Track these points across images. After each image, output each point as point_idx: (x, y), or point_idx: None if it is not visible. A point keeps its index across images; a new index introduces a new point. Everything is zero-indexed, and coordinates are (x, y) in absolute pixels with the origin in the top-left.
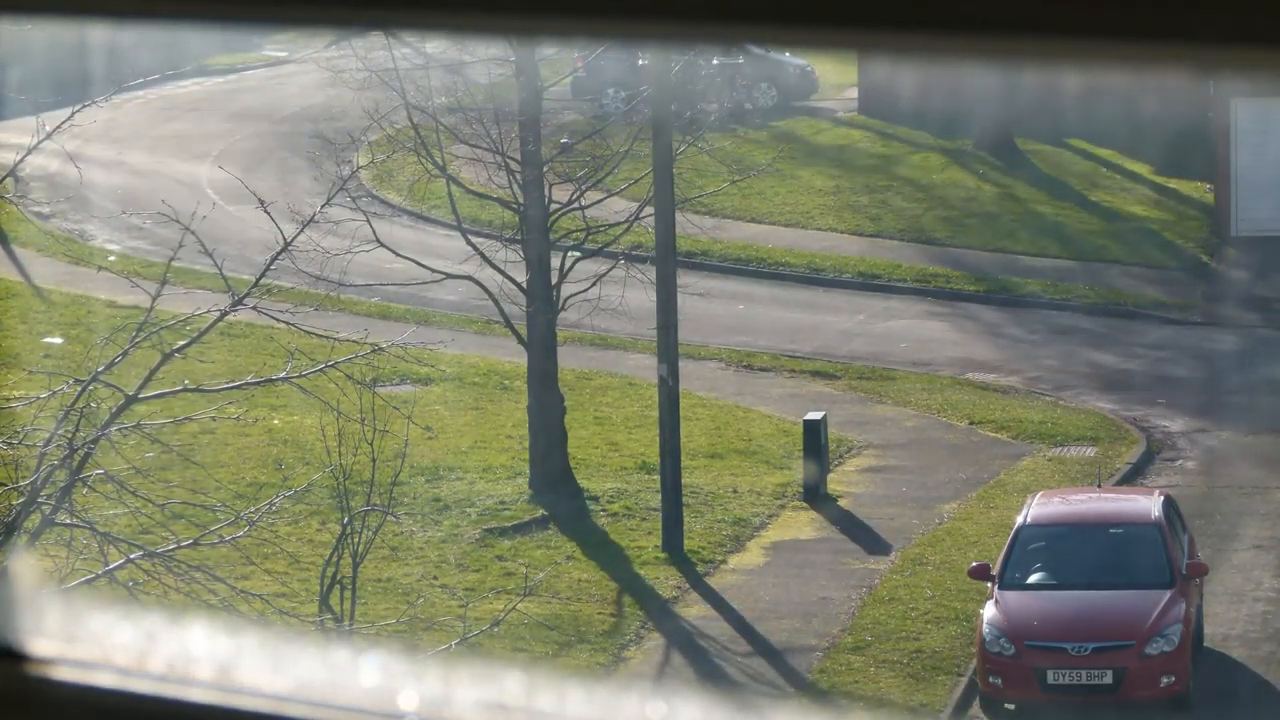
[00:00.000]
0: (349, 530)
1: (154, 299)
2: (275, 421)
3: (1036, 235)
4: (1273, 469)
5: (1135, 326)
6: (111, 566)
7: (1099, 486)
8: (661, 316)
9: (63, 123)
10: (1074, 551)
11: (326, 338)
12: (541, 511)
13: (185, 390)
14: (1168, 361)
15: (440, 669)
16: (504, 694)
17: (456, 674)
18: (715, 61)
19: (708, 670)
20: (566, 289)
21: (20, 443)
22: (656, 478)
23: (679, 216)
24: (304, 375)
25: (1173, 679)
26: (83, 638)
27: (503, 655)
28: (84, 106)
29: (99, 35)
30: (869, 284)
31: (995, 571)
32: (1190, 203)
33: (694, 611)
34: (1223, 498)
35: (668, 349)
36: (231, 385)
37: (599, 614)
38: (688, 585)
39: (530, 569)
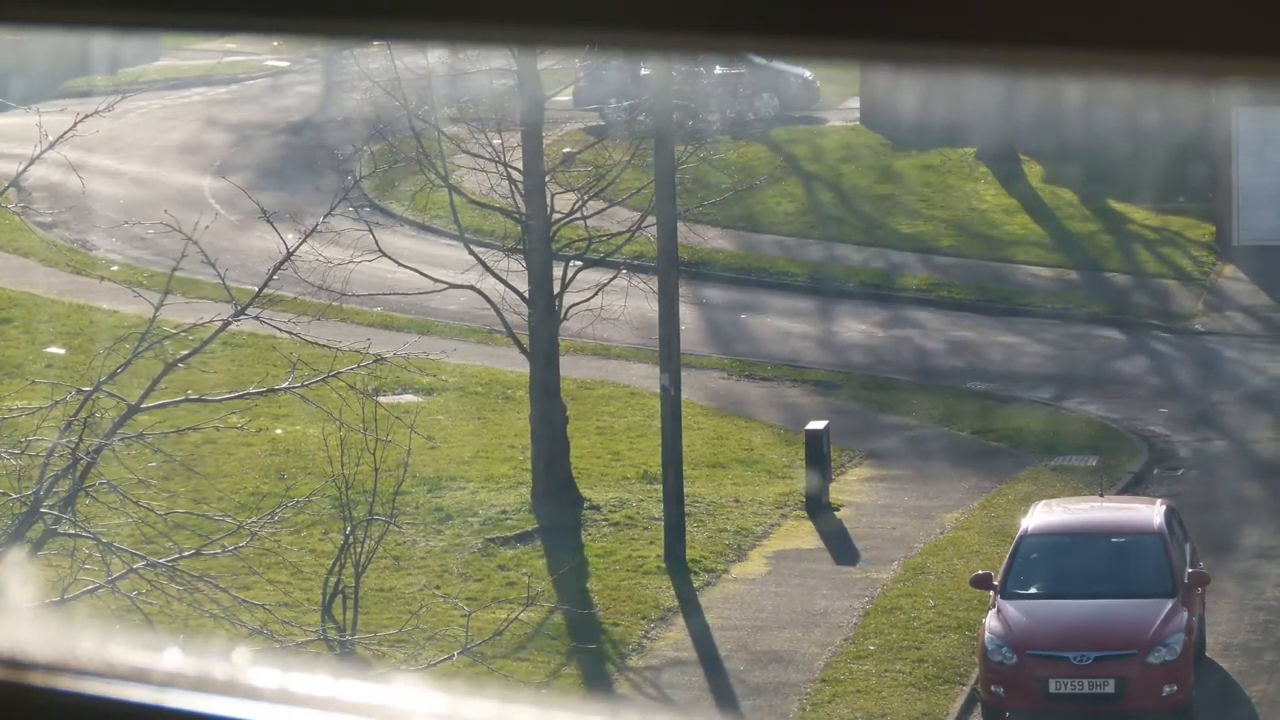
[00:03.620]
0: (351, 540)
1: (156, 309)
2: (278, 431)
3: (1038, 245)
4: (1274, 478)
5: (1136, 336)
6: (114, 576)
7: (1101, 495)
8: (663, 326)
9: (65, 132)
10: (1076, 561)
11: (329, 348)
12: (544, 521)
13: (188, 400)
14: (1169, 371)
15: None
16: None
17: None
18: (717, 71)
19: (710, 680)
20: (568, 298)
21: (23, 453)
22: (658, 487)
23: (680, 226)
24: (306, 385)
25: (1175, 688)
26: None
27: (505, 665)
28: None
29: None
30: (871, 293)
31: (997, 581)
32: (1192, 213)
33: (696, 621)
34: (1224, 507)
35: (670, 358)
36: (234, 395)
37: (601, 624)
38: (689, 595)
39: (532, 579)
